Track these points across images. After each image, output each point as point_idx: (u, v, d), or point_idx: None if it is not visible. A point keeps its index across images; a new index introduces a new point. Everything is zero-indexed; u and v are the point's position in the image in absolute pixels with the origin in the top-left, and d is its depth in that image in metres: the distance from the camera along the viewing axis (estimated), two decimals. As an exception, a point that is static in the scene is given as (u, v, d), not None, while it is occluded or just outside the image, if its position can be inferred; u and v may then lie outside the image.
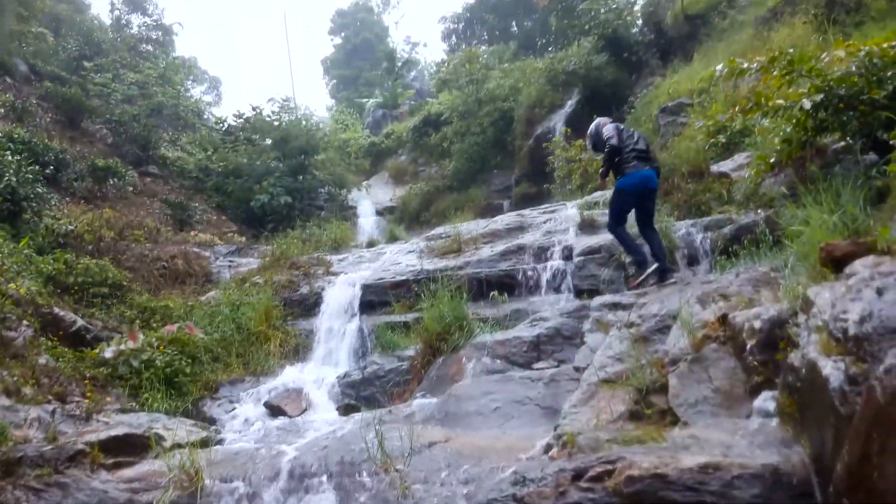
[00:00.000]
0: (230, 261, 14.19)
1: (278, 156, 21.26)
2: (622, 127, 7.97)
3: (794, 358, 3.29)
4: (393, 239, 16.10)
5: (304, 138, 21.52)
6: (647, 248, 7.69)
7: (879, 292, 2.84)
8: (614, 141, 7.64)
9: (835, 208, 4.89)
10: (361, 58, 47.55)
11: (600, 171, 8.34)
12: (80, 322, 9.06)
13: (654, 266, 7.43)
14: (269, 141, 22.00)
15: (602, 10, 19.86)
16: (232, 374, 8.90)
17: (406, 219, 22.78)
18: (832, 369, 2.78)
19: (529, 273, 9.53)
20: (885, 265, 3.08)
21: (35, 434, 5.91)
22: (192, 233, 16.32)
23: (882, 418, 2.22)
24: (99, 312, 9.96)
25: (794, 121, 6.65)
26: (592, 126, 8.34)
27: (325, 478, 4.52)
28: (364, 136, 32.27)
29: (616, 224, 7.78)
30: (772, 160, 7.37)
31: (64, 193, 15.10)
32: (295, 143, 21.19)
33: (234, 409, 7.98)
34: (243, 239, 17.24)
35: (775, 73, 6.74)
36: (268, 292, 10.66)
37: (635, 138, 7.75)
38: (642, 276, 7.58)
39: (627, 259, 8.27)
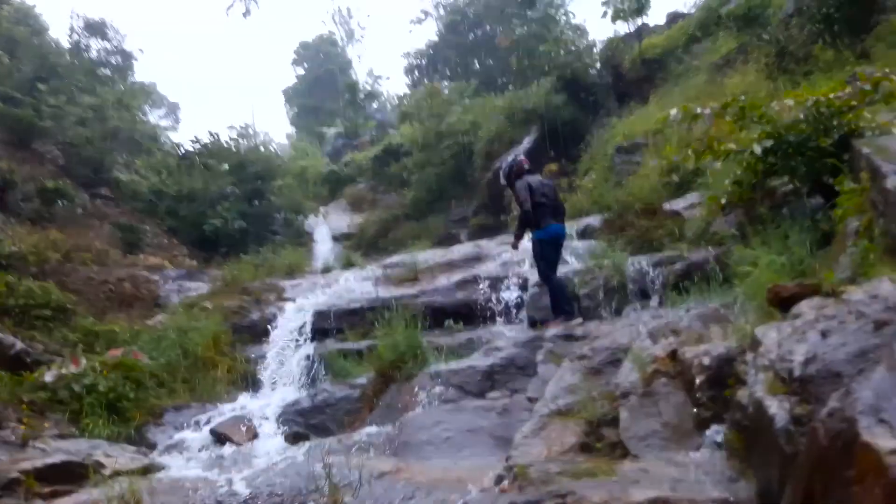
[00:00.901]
0: (179, 285, 13.89)
1: (234, 181, 21.03)
2: (534, 184, 8.12)
3: (742, 396, 3.33)
4: (349, 265, 15.91)
5: (262, 164, 21.39)
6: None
7: (824, 335, 2.89)
8: (528, 206, 7.90)
9: (783, 250, 5.02)
10: (324, 88, 47.46)
11: (515, 233, 8.62)
12: (20, 345, 8.75)
13: (578, 320, 7.68)
14: (226, 166, 21.78)
15: (562, 53, 20.33)
16: (177, 399, 8.65)
17: (363, 246, 22.63)
18: (778, 409, 2.80)
19: (485, 303, 9.55)
20: (829, 308, 3.13)
21: (-34, 461, 5.65)
22: (142, 256, 15.98)
23: (824, 461, 2.24)
24: (40, 335, 9.63)
25: (744, 164, 6.82)
26: (508, 162, 8.68)
27: (270, 509, 4.40)
28: (324, 163, 32.15)
29: (548, 271, 8.01)
30: (723, 201, 7.53)
31: (10, 214, 14.76)
32: (252, 169, 21.05)
33: (178, 435, 7.73)
34: (195, 263, 16.94)
35: (728, 118, 6.93)
36: (217, 318, 10.45)
37: (545, 191, 8.07)
38: (558, 323, 7.74)
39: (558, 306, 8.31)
